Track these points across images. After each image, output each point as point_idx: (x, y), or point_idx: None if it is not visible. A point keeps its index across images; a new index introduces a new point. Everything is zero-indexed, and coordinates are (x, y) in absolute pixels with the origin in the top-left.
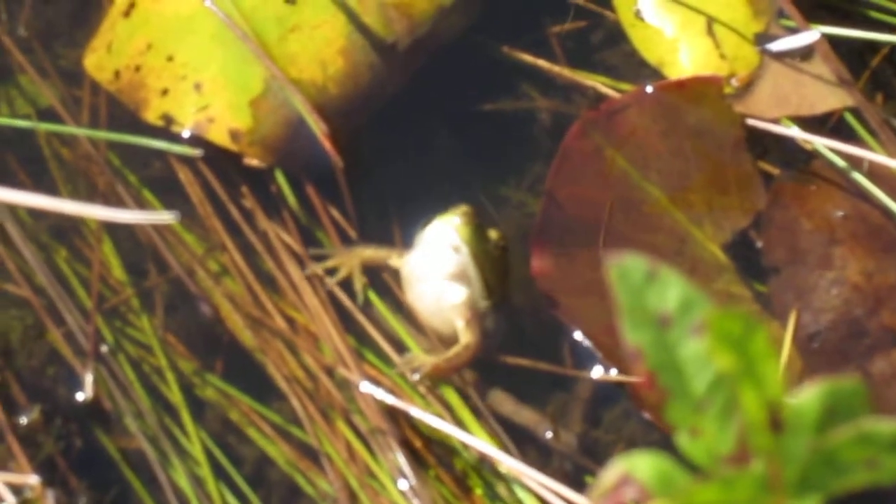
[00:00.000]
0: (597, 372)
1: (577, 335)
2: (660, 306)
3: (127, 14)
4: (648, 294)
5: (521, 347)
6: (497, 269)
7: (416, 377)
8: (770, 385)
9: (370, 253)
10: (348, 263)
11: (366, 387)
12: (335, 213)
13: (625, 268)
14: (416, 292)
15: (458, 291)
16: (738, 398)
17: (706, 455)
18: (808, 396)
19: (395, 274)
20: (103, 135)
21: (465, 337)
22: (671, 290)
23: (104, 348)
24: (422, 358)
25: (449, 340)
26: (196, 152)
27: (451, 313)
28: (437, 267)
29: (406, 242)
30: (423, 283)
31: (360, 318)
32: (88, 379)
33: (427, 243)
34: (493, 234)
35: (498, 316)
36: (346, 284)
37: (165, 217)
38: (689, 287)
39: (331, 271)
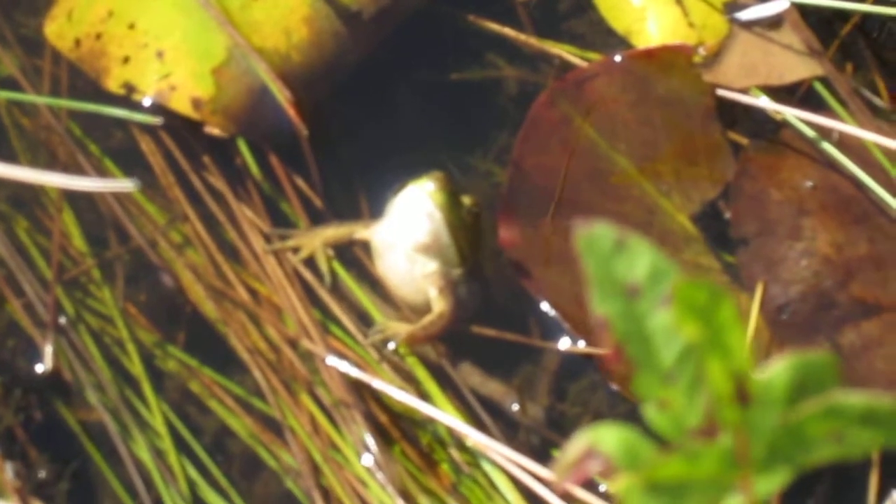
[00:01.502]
0: (564, 343)
1: (545, 306)
2: (628, 276)
3: None
4: (617, 264)
5: (489, 318)
6: (470, 235)
7: (390, 346)
8: (736, 357)
9: (332, 232)
10: (310, 245)
11: (330, 360)
12: (300, 182)
13: (593, 236)
14: (387, 261)
15: (431, 259)
16: (705, 370)
17: (674, 428)
18: (776, 369)
19: (364, 246)
20: (64, 103)
21: (439, 305)
22: (640, 260)
23: (64, 319)
24: (395, 327)
25: (421, 310)
26: (156, 120)
27: (425, 282)
28: (411, 234)
29: (373, 212)
30: (396, 251)
31: (325, 289)
32: (48, 350)
33: (400, 210)
34: (466, 200)
35: (471, 284)
36: (311, 260)
37: (126, 185)
38: (658, 257)
39: (294, 249)
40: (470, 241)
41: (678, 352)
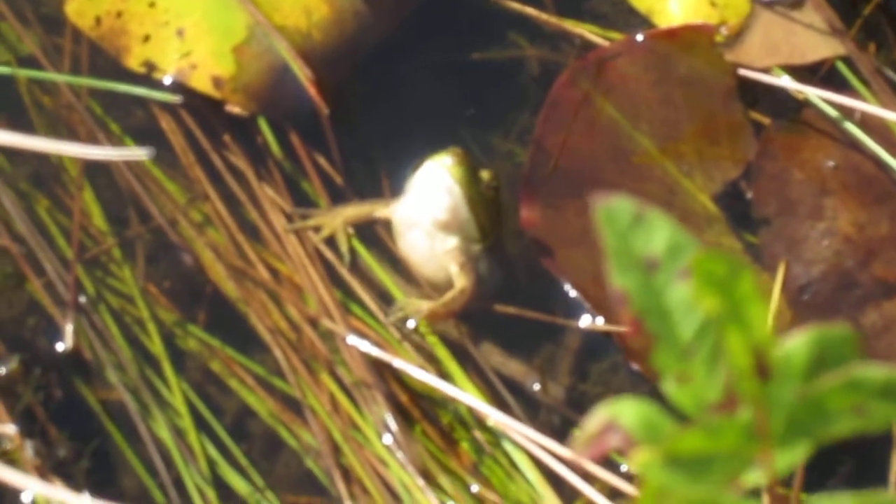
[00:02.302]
0: (585, 321)
1: (566, 287)
2: (647, 250)
3: None
4: (635, 237)
5: (510, 298)
6: (490, 210)
7: (411, 324)
8: (756, 329)
9: (353, 211)
10: (331, 224)
11: (351, 339)
12: (321, 161)
13: (611, 210)
14: (408, 239)
15: (451, 235)
16: (724, 343)
17: (693, 402)
18: (796, 343)
19: (386, 224)
20: (84, 81)
21: (460, 281)
22: (658, 234)
23: (84, 298)
24: (417, 303)
25: (442, 288)
26: (176, 98)
27: (445, 258)
28: (430, 210)
29: (393, 191)
30: (416, 228)
31: (346, 269)
32: (68, 329)
33: (418, 186)
34: (485, 174)
35: (491, 260)
36: (332, 239)
37: (139, 154)
38: (677, 231)
39: (315, 228)
40: (490, 215)
41: (697, 326)
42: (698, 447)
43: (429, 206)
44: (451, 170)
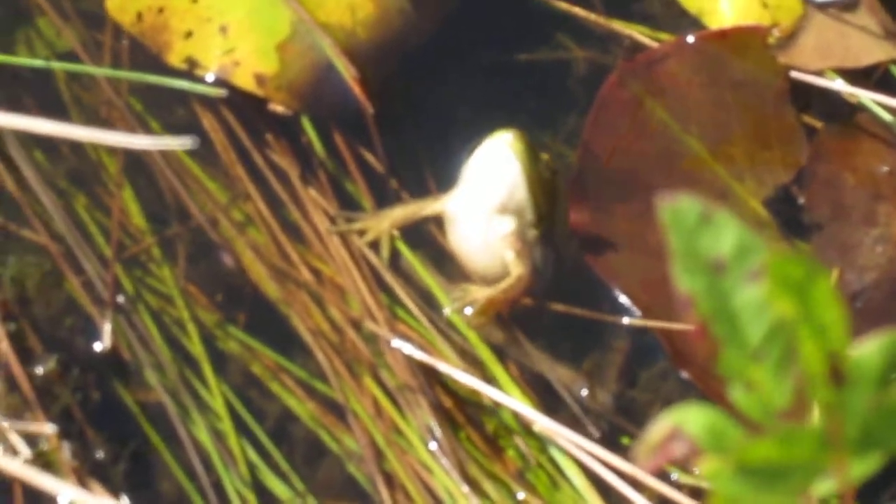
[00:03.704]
0: (633, 319)
1: (615, 292)
2: (714, 251)
3: None
4: (702, 238)
5: (562, 299)
6: (547, 193)
7: (469, 312)
8: (832, 334)
9: (400, 213)
10: (376, 228)
11: (395, 342)
12: (366, 161)
13: (677, 210)
14: (462, 229)
15: (507, 217)
16: (796, 348)
17: (761, 409)
18: (870, 348)
19: (436, 221)
20: (125, 74)
21: (517, 269)
22: (726, 234)
23: (123, 298)
24: (474, 292)
25: (494, 282)
26: (220, 92)
27: (501, 245)
28: (488, 189)
29: (439, 190)
30: (470, 215)
31: (390, 271)
32: (107, 329)
33: (477, 163)
34: (543, 156)
35: (546, 250)
36: (377, 242)
37: (181, 143)
38: (745, 231)
39: (360, 231)
40: (547, 199)
41: (765, 330)
42: (770, 456)
43: (487, 184)
44: (512, 144)
